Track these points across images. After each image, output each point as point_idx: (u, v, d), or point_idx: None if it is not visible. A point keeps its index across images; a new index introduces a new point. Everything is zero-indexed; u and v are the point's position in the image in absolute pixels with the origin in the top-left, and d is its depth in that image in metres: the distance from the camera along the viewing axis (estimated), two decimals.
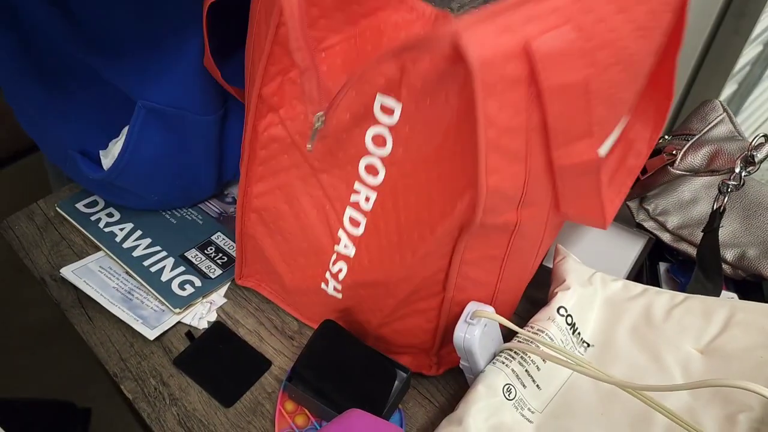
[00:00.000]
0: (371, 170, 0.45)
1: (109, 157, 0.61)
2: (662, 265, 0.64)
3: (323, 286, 0.53)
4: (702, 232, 0.59)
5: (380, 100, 0.41)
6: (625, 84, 0.42)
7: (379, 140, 0.43)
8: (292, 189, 0.50)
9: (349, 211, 0.48)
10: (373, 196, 0.46)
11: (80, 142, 0.62)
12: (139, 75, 0.55)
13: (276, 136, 0.48)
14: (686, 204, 0.63)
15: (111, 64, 0.55)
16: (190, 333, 0.59)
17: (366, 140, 0.43)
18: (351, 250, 0.49)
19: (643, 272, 0.62)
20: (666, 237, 0.63)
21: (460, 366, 0.51)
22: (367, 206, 0.46)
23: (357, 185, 0.46)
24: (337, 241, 0.50)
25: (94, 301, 0.59)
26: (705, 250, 0.56)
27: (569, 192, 0.43)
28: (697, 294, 0.53)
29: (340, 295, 0.53)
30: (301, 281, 0.55)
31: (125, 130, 0.59)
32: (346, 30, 0.44)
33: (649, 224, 0.63)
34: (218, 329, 0.60)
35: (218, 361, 0.57)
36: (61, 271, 0.61)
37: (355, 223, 0.48)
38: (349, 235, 0.49)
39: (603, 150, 0.47)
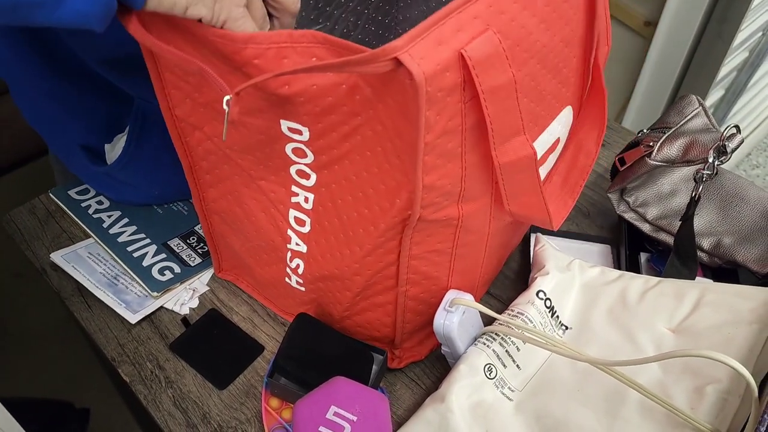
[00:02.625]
0: (302, 174, 0.47)
1: (114, 151, 0.64)
2: (643, 255, 0.67)
3: (287, 279, 0.55)
4: (679, 221, 0.61)
5: (285, 123, 0.43)
6: (544, 75, 0.45)
7: (299, 152, 0.45)
8: (240, 194, 0.52)
9: (293, 212, 0.50)
10: (311, 196, 0.48)
11: (86, 137, 0.64)
12: (143, 80, 0.58)
13: (210, 149, 0.51)
14: (666, 196, 0.65)
15: (120, 73, 0.57)
16: (185, 319, 0.61)
17: (287, 152, 0.45)
18: (303, 247, 0.51)
19: (621, 262, 0.64)
20: (646, 227, 0.65)
21: (442, 351, 0.53)
22: (308, 206, 0.48)
23: (294, 188, 0.48)
24: (288, 240, 0.52)
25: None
26: (681, 237, 0.59)
27: (510, 189, 0.45)
28: (671, 278, 0.55)
29: (303, 288, 0.55)
30: (270, 274, 0.57)
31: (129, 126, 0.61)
32: None
33: (629, 215, 0.66)
34: (213, 316, 0.62)
35: (213, 346, 0.59)
36: (51, 255, 0.64)
37: (300, 222, 0.50)
38: (298, 234, 0.51)
39: (542, 144, 0.50)
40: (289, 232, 0.51)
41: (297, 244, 0.52)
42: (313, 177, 0.46)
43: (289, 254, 0.53)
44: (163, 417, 0.55)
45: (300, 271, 0.53)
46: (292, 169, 0.47)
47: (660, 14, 1.22)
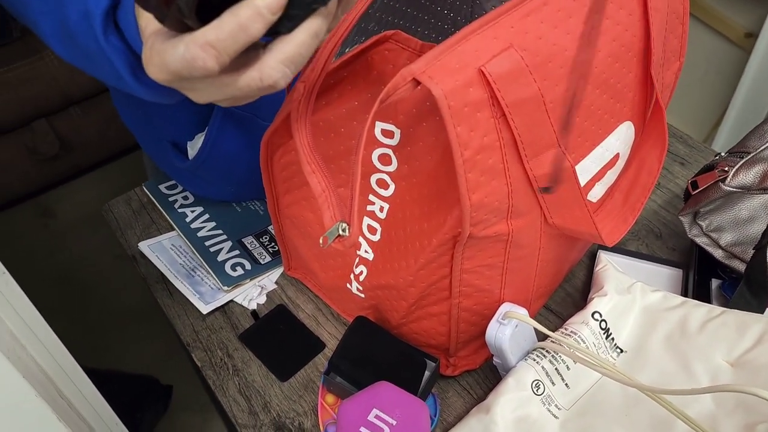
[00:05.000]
0: (382, 184, 0.49)
1: (194, 148, 0.69)
2: (714, 281, 0.65)
3: (348, 285, 0.58)
4: (753, 249, 0.59)
5: (380, 125, 0.45)
6: (591, 91, 0.45)
7: (385, 159, 0.47)
8: (315, 201, 0.55)
9: (367, 220, 0.52)
10: (386, 206, 0.50)
11: (173, 134, 0.70)
12: None
13: (291, 160, 0.54)
14: (743, 222, 0.63)
15: None
16: (255, 312, 0.65)
17: (373, 160, 0.47)
18: (370, 255, 0.54)
19: (689, 288, 0.62)
20: (718, 253, 0.63)
21: (493, 363, 0.54)
22: (382, 215, 0.51)
23: (371, 197, 0.50)
24: (358, 246, 0.54)
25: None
26: (753, 266, 0.57)
27: (551, 202, 0.46)
28: (739, 309, 0.54)
29: (362, 295, 0.57)
30: (332, 280, 0.60)
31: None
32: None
33: (701, 240, 0.64)
34: (280, 311, 0.65)
35: (278, 339, 0.63)
36: (139, 244, 0.70)
37: (372, 230, 0.52)
38: (369, 241, 0.53)
39: (596, 158, 0.49)
40: (361, 238, 0.54)
41: (366, 251, 0.54)
42: (392, 187, 0.48)
43: (357, 260, 0.56)
44: (229, 402, 0.59)
45: (362, 278, 0.56)
46: (373, 178, 0.49)
47: (762, 25, 1.16)
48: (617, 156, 0.52)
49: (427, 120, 0.43)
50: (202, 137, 0.67)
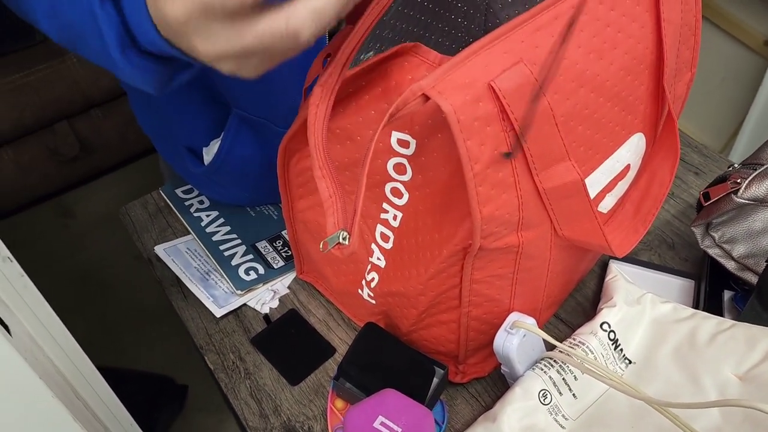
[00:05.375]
0: (396, 193, 0.49)
1: (209, 153, 0.70)
2: (727, 293, 0.64)
3: (359, 291, 0.59)
4: (765, 261, 0.58)
5: (396, 135, 0.46)
6: (602, 104, 0.45)
7: (400, 168, 0.47)
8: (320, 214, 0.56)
9: (380, 228, 0.52)
10: (399, 215, 0.50)
11: (189, 140, 0.71)
12: (238, 90, 0.63)
13: (307, 166, 0.55)
14: (756, 234, 0.62)
15: (220, 80, 0.63)
16: (267, 317, 0.66)
17: (388, 168, 0.48)
18: (382, 262, 0.54)
19: (701, 299, 0.62)
20: (731, 265, 0.63)
21: (502, 371, 0.55)
22: (396, 224, 0.51)
23: (385, 205, 0.51)
24: (371, 253, 0.55)
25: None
26: (765, 279, 0.56)
27: (561, 214, 0.46)
28: (750, 322, 0.54)
29: (374, 301, 0.58)
30: (344, 285, 0.61)
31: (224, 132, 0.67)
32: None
33: (713, 251, 0.63)
34: (292, 316, 0.66)
35: (289, 344, 0.64)
36: (155, 248, 0.71)
37: (385, 238, 0.53)
38: (381, 249, 0.54)
39: (607, 170, 0.49)
40: (373, 246, 0.55)
41: (378, 258, 0.55)
42: (406, 196, 0.49)
43: (368, 267, 0.57)
44: (240, 405, 0.60)
45: (373, 284, 0.57)
46: (387, 187, 0.50)
47: None
48: (628, 167, 0.52)
49: (442, 131, 0.44)
50: (218, 143, 0.68)
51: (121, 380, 1.45)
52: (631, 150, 0.52)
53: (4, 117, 1.63)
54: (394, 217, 0.51)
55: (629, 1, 0.46)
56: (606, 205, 0.53)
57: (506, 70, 0.40)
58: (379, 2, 0.44)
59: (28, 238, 1.83)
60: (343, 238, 0.40)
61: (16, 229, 1.85)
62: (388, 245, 0.53)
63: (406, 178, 0.48)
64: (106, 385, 0.56)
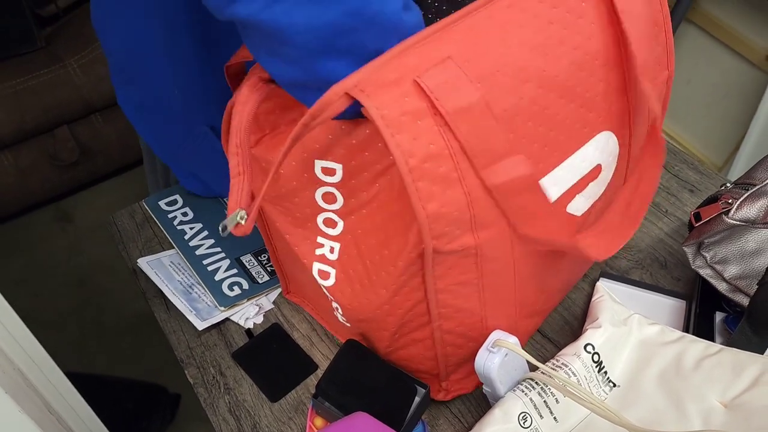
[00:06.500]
0: (329, 223, 0.48)
1: None
2: (719, 314, 0.63)
3: (335, 313, 0.57)
4: (757, 284, 0.57)
5: (319, 164, 0.45)
6: (554, 100, 0.44)
7: (329, 197, 0.46)
8: (283, 240, 0.55)
9: (317, 265, 0.51)
10: (337, 246, 0.49)
11: (211, 118, 0.68)
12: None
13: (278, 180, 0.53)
14: (749, 255, 0.61)
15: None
16: (249, 331, 0.65)
17: (317, 199, 0.47)
18: (338, 294, 0.53)
19: (691, 320, 0.61)
20: (722, 287, 0.61)
21: (483, 391, 0.53)
22: (334, 256, 0.50)
23: (320, 239, 0.49)
24: (320, 287, 0.54)
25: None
26: (756, 302, 0.55)
27: (515, 212, 0.44)
28: (740, 346, 0.52)
29: (348, 324, 0.57)
30: (322, 305, 0.60)
31: None
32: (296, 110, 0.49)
33: (705, 271, 0.62)
34: (275, 330, 0.65)
35: (271, 359, 0.63)
36: (138, 261, 0.70)
37: (324, 275, 0.52)
38: (326, 287, 0.52)
39: (571, 169, 0.48)
40: (319, 281, 0.53)
41: (331, 293, 0.53)
42: (340, 225, 0.48)
43: (329, 298, 0.55)
44: (218, 421, 0.59)
45: (340, 311, 0.55)
46: (319, 219, 0.49)
47: None
48: (599, 167, 0.51)
49: (369, 148, 0.43)
50: None
51: (111, 388, 1.45)
52: (599, 149, 0.50)
53: (4, 121, 1.64)
54: (331, 250, 0.50)
55: None
56: (577, 206, 0.51)
57: (432, 67, 0.39)
58: None
59: (26, 242, 1.83)
60: (241, 218, 0.40)
61: (14, 233, 1.85)
62: (330, 282, 0.52)
63: (337, 206, 0.47)
64: (81, 398, 0.55)
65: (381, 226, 0.45)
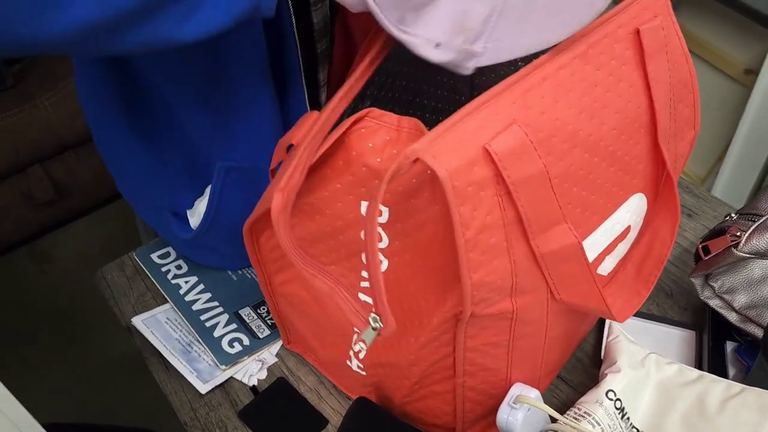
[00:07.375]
0: None
1: (195, 215, 0.66)
2: (729, 344, 0.62)
3: (348, 362, 0.56)
4: None
5: (365, 204, 0.44)
6: (597, 164, 0.44)
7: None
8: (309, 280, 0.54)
9: (362, 296, 0.50)
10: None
11: (171, 202, 0.67)
12: (217, 135, 0.60)
13: (277, 244, 0.51)
14: (756, 283, 0.61)
15: (195, 122, 0.60)
16: (255, 387, 0.63)
17: (362, 237, 0.46)
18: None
19: (704, 353, 0.60)
20: (732, 317, 0.61)
21: None
22: None
23: (364, 273, 0.48)
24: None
25: None
26: None
27: (558, 279, 0.44)
28: (758, 383, 0.52)
29: (364, 372, 0.55)
30: (332, 356, 0.58)
31: (209, 188, 0.63)
32: None
33: (714, 302, 0.62)
34: (281, 385, 0.63)
35: (279, 416, 0.61)
36: (132, 320, 0.67)
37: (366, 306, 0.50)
38: None
39: (606, 232, 0.48)
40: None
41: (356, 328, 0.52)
42: (385, 263, 0.47)
43: (354, 337, 0.54)
44: None
45: (361, 355, 0.54)
46: (364, 256, 0.47)
47: (762, 62, 1.15)
48: (628, 228, 0.51)
49: (416, 196, 0.42)
50: (204, 201, 0.64)
51: None
52: (631, 211, 0.50)
53: None
54: None
55: (615, 61, 0.45)
56: (606, 267, 0.51)
57: (500, 133, 0.38)
58: (349, 91, 0.43)
59: (4, 284, 1.78)
60: (375, 321, 0.38)
61: None
62: None
63: (383, 245, 0.46)
64: None
65: (422, 275, 0.45)
